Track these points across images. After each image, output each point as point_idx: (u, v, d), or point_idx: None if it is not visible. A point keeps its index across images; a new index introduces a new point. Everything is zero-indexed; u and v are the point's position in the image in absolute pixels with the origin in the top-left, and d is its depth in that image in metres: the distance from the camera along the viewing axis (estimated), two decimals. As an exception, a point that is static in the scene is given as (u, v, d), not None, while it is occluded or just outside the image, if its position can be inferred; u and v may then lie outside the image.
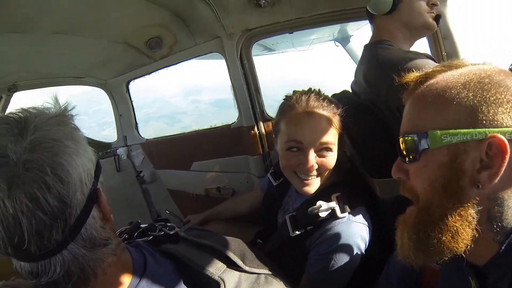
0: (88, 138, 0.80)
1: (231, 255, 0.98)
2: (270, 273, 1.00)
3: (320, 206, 1.54)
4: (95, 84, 3.29)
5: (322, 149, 1.58)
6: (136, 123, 3.46)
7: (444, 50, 2.12)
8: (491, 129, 0.75)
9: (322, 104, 1.60)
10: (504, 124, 0.76)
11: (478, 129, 0.76)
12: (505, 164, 0.74)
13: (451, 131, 0.78)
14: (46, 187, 0.66)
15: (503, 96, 0.77)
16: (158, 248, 1.02)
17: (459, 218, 0.79)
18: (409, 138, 0.87)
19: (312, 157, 1.55)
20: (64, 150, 0.71)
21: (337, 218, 1.53)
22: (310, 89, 1.69)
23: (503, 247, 0.79)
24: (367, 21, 2.01)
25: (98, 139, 3.67)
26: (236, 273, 0.94)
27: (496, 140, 0.73)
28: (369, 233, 1.57)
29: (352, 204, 1.57)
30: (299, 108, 1.59)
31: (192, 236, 1.06)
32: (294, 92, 1.70)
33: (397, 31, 1.81)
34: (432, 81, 0.89)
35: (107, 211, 0.81)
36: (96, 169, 0.79)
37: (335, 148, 1.61)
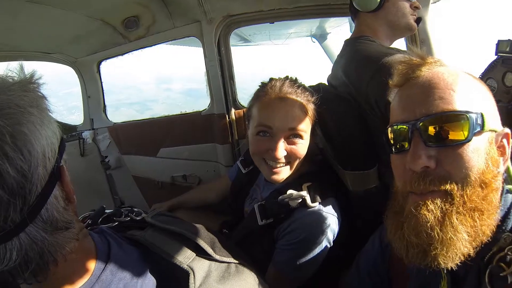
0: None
1: (201, 242, 0.93)
2: (241, 262, 0.96)
3: (291, 195, 1.53)
4: (64, 62, 3.12)
5: (292, 136, 1.57)
6: (105, 106, 3.33)
7: None
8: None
9: (296, 90, 1.60)
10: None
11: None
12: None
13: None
14: (5, 157, 0.58)
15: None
16: (123, 234, 0.95)
17: (493, 205, 0.83)
18: (463, 116, 0.83)
19: (281, 143, 1.54)
20: (28, 119, 0.63)
21: (307, 207, 1.52)
22: (287, 76, 1.69)
23: None
24: (347, 19, 2.02)
25: (65, 122, 3.51)
26: (206, 262, 0.89)
27: (507, 131, 0.87)
28: (339, 224, 1.57)
29: (323, 194, 1.56)
30: (272, 93, 1.59)
31: (159, 222, 0.99)
32: (271, 79, 1.69)
33: (380, 28, 1.83)
34: (449, 69, 0.91)
35: (70, 191, 0.73)
36: (60, 145, 0.72)
37: (306, 136, 1.59)
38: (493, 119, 0.86)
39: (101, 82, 3.26)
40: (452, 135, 0.82)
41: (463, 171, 0.82)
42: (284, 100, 1.57)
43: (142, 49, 2.96)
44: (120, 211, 1.10)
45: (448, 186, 0.83)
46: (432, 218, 0.83)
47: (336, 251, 1.60)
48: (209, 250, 0.92)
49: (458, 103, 0.83)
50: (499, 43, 1.96)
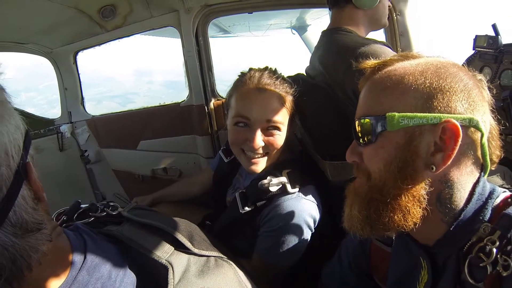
0: (28, 113, 0.67)
1: (179, 236, 0.90)
2: (221, 256, 0.93)
3: (271, 180, 1.55)
4: (39, 53, 3.03)
5: (270, 128, 1.59)
6: (83, 98, 3.25)
7: (400, 46, 2.25)
8: (446, 115, 0.82)
9: (274, 82, 1.61)
10: (458, 111, 0.83)
11: (433, 114, 0.83)
12: (457, 147, 0.81)
13: (408, 114, 0.84)
14: None
15: (457, 85, 0.85)
16: (99, 230, 0.92)
17: (411, 199, 0.85)
18: (367, 120, 0.91)
19: (259, 134, 1.56)
20: None
21: (287, 193, 1.55)
22: (266, 67, 1.70)
23: (451, 228, 0.86)
24: (327, 11, 2.03)
25: (42, 116, 3.37)
26: (185, 256, 0.86)
27: (450, 125, 0.81)
28: (319, 212, 1.59)
29: (303, 181, 1.59)
30: (251, 84, 1.61)
31: (136, 216, 0.96)
32: (250, 69, 1.70)
33: (362, 23, 1.85)
34: (390, 68, 0.94)
35: (39, 189, 0.68)
36: (25, 140, 0.66)
37: (283, 128, 1.61)
38: (423, 112, 0.84)
39: (78, 74, 3.18)
40: (363, 137, 0.92)
41: (372, 167, 0.91)
42: (262, 92, 1.58)
43: (119, 39, 2.90)
44: (96, 205, 1.06)
45: (364, 176, 0.94)
46: (349, 196, 0.98)
47: (319, 241, 1.61)
48: (187, 244, 0.89)
49: (370, 107, 0.93)
50: (477, 38, 2.01)
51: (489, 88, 0.92)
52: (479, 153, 0.87)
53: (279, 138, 1.60)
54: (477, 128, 0.84)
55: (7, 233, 0.60)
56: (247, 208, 1.58)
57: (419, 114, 0.83)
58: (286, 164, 1.64)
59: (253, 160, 1.60)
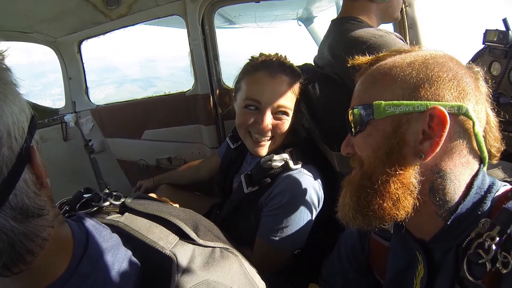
0: (32, 103, 0.65)
1: (184, 226, 0.88)
2: (226, 247, 0.92)
3: (273, 157, 1.61)
4: (43, 42, 2.99)
5: (279, 112, 1.65)
6: (87, 87, 3.23)
7: (408, 38, 2.26)
8: (433, 102, 0.84)
9: (285, 68, 1.66)
10: (446, 99, 0.84)
11: (420, 102, 0.85)
12: (445, 134, 0.81)
13: (394, 102, 0.86)
14: None
15: (445, 75, 0.86)
16: (102, 220, 0.90)
17: (400, 186, 0.85)
18: (356, 110, 0.94)
19: (268, 117, 1.62)
20: None
21: (289, 169, 1.60)
22: (276, 53, 1.73)
23: (448, 223, 0.86)
24: (334, 2, 2.00)
25: (46, 106, 3.38)
26: (190, 247, 0.85)
27: (437, 111, 0.81)
28: (321, 190, 1.62)
29: (305, 159, 1.65)
30: (262, 69, 1.65)
31: (140, 205, 0.95)
32: (260, 54, 1.73)
33: (374, 15, 1.84)
34: (382, 62, 0.99)
35: (42, 174, 0.66)
36: (30, 124, 0.64)
37: (291, 113, 1.67)
38: (410, 100, 0.86)
39: (83, 63, 3.16)
40: (354, 126, 0.96)
41: (363, 154, 0.94)
42: (274, 77, 1.62)
43: (124, 28, 2.88)
44: (99, 195, 1.05)
45: (358, 165, 0.97)
46: (344, 187, 0.99)
47: (322, 233, 1.62)
48: (192, 234, 0.88)
49: (360, 98, 0.97)
50: (487, 33, 1.98)
51: (485, 79, 0.93)
52: (474, 143, 0.87)
53: (286, 123, 1.65)
54: (467, 116, 0.84)
55: (7, 216, 0.58)
56: (251, 188, 1.62)
57: (405, 102, 0.85)
58: (288, 145, 1.68)
59: (259, 143, 1.66)
